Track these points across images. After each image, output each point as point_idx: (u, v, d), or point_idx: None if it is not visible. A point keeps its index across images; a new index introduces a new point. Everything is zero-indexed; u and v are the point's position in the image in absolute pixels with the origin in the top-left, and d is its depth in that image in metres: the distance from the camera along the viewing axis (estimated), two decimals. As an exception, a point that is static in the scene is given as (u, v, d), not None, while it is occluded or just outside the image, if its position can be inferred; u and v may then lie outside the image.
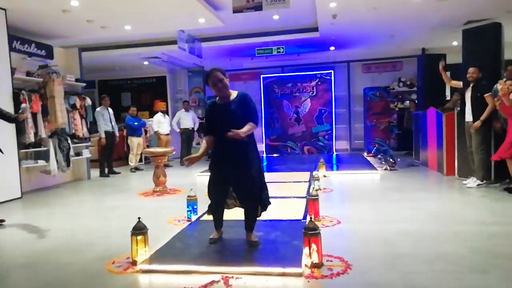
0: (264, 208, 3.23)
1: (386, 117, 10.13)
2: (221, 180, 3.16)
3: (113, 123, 8.06)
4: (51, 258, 3.20)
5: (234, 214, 3.41)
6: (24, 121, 5.83)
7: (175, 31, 7.62)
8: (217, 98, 3.21)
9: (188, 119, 9.63)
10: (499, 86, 4.94)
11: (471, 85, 5.42)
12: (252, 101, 3.17)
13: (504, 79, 5.04)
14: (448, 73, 9.42)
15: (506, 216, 3.99)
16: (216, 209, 3.26)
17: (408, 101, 10.54)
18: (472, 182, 5.36)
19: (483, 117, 5.20)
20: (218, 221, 3.30)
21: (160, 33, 8.12)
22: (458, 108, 6.05)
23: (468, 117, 5.46)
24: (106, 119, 7.91)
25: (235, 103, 3.10)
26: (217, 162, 3.18)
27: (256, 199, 3.14)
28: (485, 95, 5.21)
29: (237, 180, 3.10)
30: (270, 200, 3.27)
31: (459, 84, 5.80)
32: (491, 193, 4.99)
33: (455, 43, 9.41)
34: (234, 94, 3.17)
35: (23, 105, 4.65)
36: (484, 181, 5.36)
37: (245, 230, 3.20)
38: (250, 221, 3.19)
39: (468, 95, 5.47)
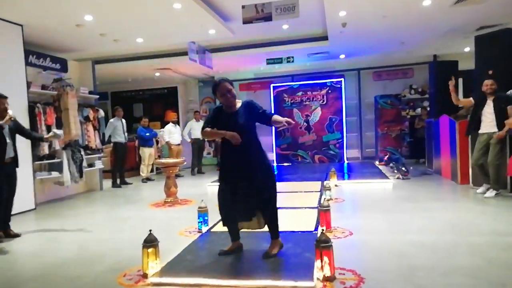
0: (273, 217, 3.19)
1: (397, 124, 10.03)
2: (230, 190, 3.14)
3: (125, 134, 8.17)
4: (62, 270, 3.22)
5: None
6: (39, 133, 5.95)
7: (186, 43, 7.72)
8: (223, 107, 3.24)
9: (199, 129, 9.66)
10: None
11: (490, 97, 5.29)
12: (257, 103, 3.22)
13: None
14: (460, 80, 9.33)
15: (524, 227, 3.88)
16: (228, 220, 3.24)
17: (419, 109, 10.42)
18: (490, 192, 5.24)
19: (509, 126, 5.08)
20: (233, 233, 3.27)
21: (171, 44, 8.23)
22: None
23: (489, 128, 5.29)
24: (119, 129, 8.04)
25: (241, 112, 3.14)
26: (226, 172, 3.20)
27: (271, 214, 3.14)
28: (509, 106, 5.08)
29: (249, 188, 3.07)
30: (282, 211, 3.24)
31: (470, 101, 5.68)
32: (508, 203, 4.87)
33: (467, 49, 9.31)
34: (239, 103, 3.22)
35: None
36: (500, 190, 5.23)
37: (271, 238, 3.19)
38: (271, 225, 3.16)
39: (487, 108, 5.31)
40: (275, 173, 3.26)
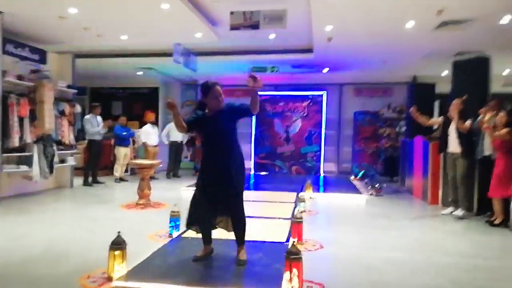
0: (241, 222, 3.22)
1: (374, 142, 10.23)
2: (208, 193, 3.16)
3: (101, 132, 8.00)
4: (26, 269, 3.10)
5: (217, 234, 3.35)
6: (11, 125, 5.76)
7: (171, 44, 7.66)
8: (206, 111, 3.24)
9: (178, 132, 9.57)
10: (500, 118, 4.99)
11: (456, 117, 5.51)
12: (233, 102, 3.30)
13: (485, 109, 5.17)
14: (437, 103, 9.63)
15: (487, 250, 4.01)
16: (200, 222, 3.23)
17: (398, 127, 10.64)
18: (458, 211, 5.39)
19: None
20: (206, 236, 3.26)
21: (156, 44, 8.15)
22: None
23: (454, 148, 5.51)
24: (94, 126, 7.84)
25: (222, 115, 3.18)
26: (204, 173, 3.22)
27: (240, 221, 3.17)
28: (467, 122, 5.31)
29: (223, 191, 3.11)
30: (255, 220, 3.26)
31: (438, 120, 5.90)
32: (473, 225, 5.02)
33: (444, 73, 9.63)
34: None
35: None
36: (467, 212, 5.40)
37: (237, 245, 3.21)
38: (240, 231, 3.19)
39: (453, 127, 5.53)
40: (250, 183, 3.30)
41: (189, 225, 3.30)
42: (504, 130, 4.79)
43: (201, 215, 3.19)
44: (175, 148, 9.57)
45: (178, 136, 9.55)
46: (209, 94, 3.17)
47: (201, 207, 3.18)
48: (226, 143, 3.13)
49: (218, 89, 3.18)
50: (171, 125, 9.61)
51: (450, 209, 5.61)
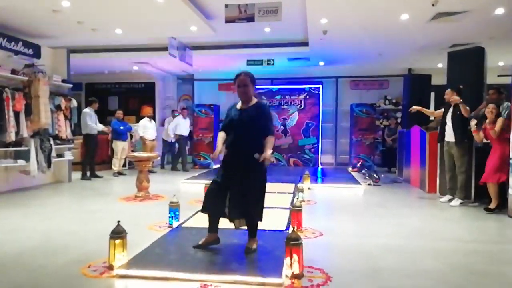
0: (253, 222, 3.20)
1: (371, 133, 10.27)
2: (223, 182, 3.17)
3: (99, 129, 8.05)
4: (23, 260, 3.09)
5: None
6: (6, 119, 5.72)
7: (167, 38, 7.62)
8: (240, 102, 3.30)
9: (185, 126, 9.69)
10: (487, 110, 5.05)
11: (452, 106, 5.55)
12: (268, 111, 3.27)
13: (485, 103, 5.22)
14: (433, 94, 9.67)
15: (484, 235, 4.06)
16: (209, 208, 3.21)
17: (392, 118, 10.71)
18: (455, 201, 5.44)
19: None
20: (212, 224, 3.24)
21: (151, 38, 8.11)
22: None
23: (449, 137, 5.56)
24: (93, 121, 7.85)
25: (251, 111, 3.20)
26: (225, 162, 3.24)
27: (245, 213, 3.13)
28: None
29: (237, 185, 3.11)
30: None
31: (441, 112, 5.96)
32: (470, 212, 5.07)
33: (440, 65, 9.67)
34: (253, 101, 3.27)
35: None
36: (465, 200, 5.46)
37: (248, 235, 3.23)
38: (253, 226, 3.19)
39: (449, 116, 5.58)
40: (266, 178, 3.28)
41: (203, 209, 3.26)
42: (499, 123, 4.85)
43: (212, 199, 3.19)
44: (181, 142, 9.59)
45: (185, 130, 9.65)
46: (235, 83, 3.22)
47: (213, 192, 3.20)
48: (246, 139, 3.11)
49: (243, 79, 3.21)
50: (179, 119, 9.65)
51: (447, 196, 5.66)
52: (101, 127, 8.02)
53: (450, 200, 5.55)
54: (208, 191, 3.28)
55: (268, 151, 3.02)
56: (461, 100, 5.31)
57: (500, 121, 4.87)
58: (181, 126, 9.55)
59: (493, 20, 6.28)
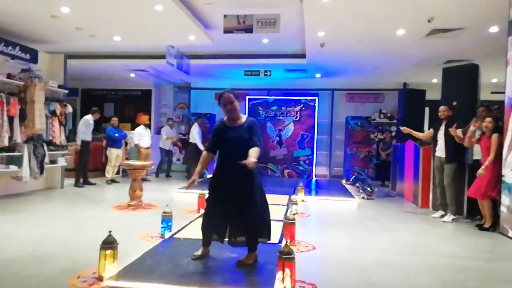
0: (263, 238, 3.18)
1: (366, 146, 10.32)
2: (219, 200, 3.13)
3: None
4: (14, 268, 3.04)
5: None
6: (0, 124, 5.68)
7: (165, 46, 7.66)
8: (226, 118, 3.26)
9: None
10: (488, 124, 5.07)
11: (443, 123, 5.65)
12: (258, 126, 3.24)
13: (475, 120, 5.27)
14: (427, 109, 9.77)
15: (477, 251, 4.06)
16: (209, 230, 3.20)
17: (387, 132, 10.77)
18: (447, 216, 5.46)
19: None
20: (207, 241, 3.25)
21: (149, 46, 8.14)
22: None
23: (440, 153, 5.65)
24: (89, 129, 7.86)
25: (244, 129, 3.14)
26: (217, 182, 3.18)
27: (253, 230, 3.11)
28: (453, 128, 5.35)
29: (236, 203, 3.06)
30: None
31: (430, 132, 6.05)
32: (463, 228, 5.08)
33: (435, 80, 9.79)
34: (243, 118, 3.23)
35: None
36: (457, 216, 5.47)
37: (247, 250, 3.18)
38: (253, 241, 3.14)
39: (441, 132, 5.68)
40: (263, 192, 3.26)
41: (205, 238, 3.26)
42: (496, 138, 4.87)
43: (212, 224, 3.18)
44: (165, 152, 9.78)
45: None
46: (221, 101, 3.18)
47: (212, 215, 3.17)
48: (242, 155, 2.95)
49: (228, 97, 3.17)
50: (167, 129, 9.75)
51: (440, 212, 5.68)
52: (86, 138, 7.87)
53: (442, 216, 5.57)
54: (206, 215, 3.22)
55: (252, 159, 2.90)
56: (459, 136, 5.34)
57: (496, 137, 4.88)
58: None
59: (487, 37, 6.39)
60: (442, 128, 5.65)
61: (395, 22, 6.03)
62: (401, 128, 6.28)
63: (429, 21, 5.76)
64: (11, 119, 6.03)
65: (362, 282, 2.95)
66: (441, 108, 5.73)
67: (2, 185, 6.32)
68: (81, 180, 7.81)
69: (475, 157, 5.38)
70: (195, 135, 9.40)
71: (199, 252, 3.25)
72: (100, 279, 2.75)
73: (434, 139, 5.85)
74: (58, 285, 2.72)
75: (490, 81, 9.57)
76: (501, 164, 4.81)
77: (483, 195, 4.94)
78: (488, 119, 5.05)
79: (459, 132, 5.34)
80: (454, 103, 6.07)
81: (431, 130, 6.02)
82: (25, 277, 2.85)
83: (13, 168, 6.17)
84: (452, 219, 5.40)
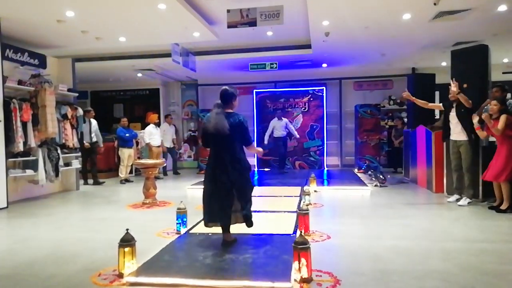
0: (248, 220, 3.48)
1: (376, 134, 10.24)
2: (211, 185, 3.46)
3: (93, 134, 8.12)
4: (34, 269, 3.13)
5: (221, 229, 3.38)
6: (14, 130, 5.80)
7: (170, 44, 7.68)
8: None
9: (171, 134, 10.08)
10: (493, 107, 5.01)
11: (454, 103, 5.50)
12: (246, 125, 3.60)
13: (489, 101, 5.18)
14: (437, 93, 9.62)
15: (494, 234, 4.02)
16: (210, 221, 3.50)
17: (397, 119, 10.67)
18: (463, 200, 5.40)
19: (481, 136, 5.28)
20: (223, 229, 3.52)
21: (154, 45, 8.18)
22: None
23: (457, 136, 5.50)
24: (87, 130, 7.96)
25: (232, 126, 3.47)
26: (209, 169, 3.52)
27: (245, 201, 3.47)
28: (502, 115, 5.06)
29: (224, 183, 3.40)
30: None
31: (439, 106, 5.93)
32: (479, 211, 5.04)
33: (444, 64, 9.63)
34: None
35: None
36: (473, 199, 5.42)
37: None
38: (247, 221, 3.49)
39: (452, 114, 5.53)
40: (249, 172, 3.60)
41: (206, 224, 3.54)
42: (502, 119, 4.80)
43: (210, 213, 3.50)
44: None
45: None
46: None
47: (208, 204, 3.49)
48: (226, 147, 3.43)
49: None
50: (165, 126, 9.88)
51: (455, 196, 5.62)
52: (87, 140, 8.00)
53: (458, 200, 5.52)
54: (205, 203, 3.53)
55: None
56: (459, 90, 5.25)
57: (503, 118, 4.82)
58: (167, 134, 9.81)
59: (496, 17, 6.25)
60: (453, 110, 5.52)
61: (401, 7, 5.94)
62: (403, 93, 6.09)
63: (435, 3, 5.66)
64: (24, 125, 6.15)
65: (377, 270, 2.96)
66: (453, 84, 5.46)
67: (20, 189, 6.47)
68: (92, 181, 8.04)
69: (491, 139, 5.30)
70: None
71: (225, 238, 3.53)
72: (120, 276, 2.82)
73: (445, 121, 5.73)
74: (80, 284, 2.79)
75: (501, 61, 9.38)
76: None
77: (499, 177, 4.88)
78: (493, 101, 4.99)
79: (475, 122, 5.11)
80: (465, 85, 5.97)
81: (441, 104, 5.88)
82: (46, 278, 2.93)
83: (29, 172, 6.30)
84: (468, 202, 5.35)
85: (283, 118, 9.71)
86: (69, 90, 7.42)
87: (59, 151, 6.78)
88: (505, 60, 9.41)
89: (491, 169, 4.99)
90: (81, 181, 7.94)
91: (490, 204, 5.18)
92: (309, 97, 10.66)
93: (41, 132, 6.42)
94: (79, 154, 7.72)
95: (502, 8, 5.88)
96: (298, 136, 9.87)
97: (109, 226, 4.59)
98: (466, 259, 3.18)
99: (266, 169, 10.58)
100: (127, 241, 2.85)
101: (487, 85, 6.11)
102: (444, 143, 6.04)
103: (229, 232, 3.50)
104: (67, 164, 7.18)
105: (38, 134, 6.40)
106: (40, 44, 7.36)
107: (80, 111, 7.60)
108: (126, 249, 2.84)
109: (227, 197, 3.36)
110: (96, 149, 8.21)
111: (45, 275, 2.99)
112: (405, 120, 10.42)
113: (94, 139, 8.10)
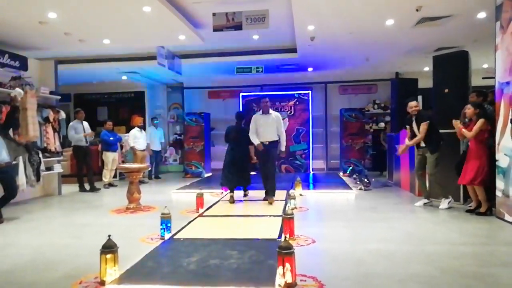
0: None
1: (361, 137, 10.36)
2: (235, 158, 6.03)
3: (87, 137, 7.91)
4: (14, 277, 3.04)
5: (209, 233, 3.36)
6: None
7: (155, 47, 7.63)
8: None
9: (157, 137, 9.96)
10: (467, 111, 5.17)
11: (413, 118, 5.78)
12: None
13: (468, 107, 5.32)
14: (420, 97, 9.82)
15: (474, 237, 4.11)
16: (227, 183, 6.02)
17: (382, 123, 10.84)
18: (442, 204, 5.50)
19: (410, 143, 5.85)
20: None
21: (139, 48, 8.11)
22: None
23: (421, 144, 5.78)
24: (78, 132, 7.73)
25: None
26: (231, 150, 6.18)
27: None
28: (422, 123, 5.60)
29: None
30: (246, 218, 3.32)
31: (422, 134, 6.01)
32: (460, 214, 5.14)
33: (426, 69, 9.83)
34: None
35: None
36: (450, 198, 5.52)
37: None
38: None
39: (415, 126, 5.79)
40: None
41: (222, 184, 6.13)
42: (478, 124, 4.93)
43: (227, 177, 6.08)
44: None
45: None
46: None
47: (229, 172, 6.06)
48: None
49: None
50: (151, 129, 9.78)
51: (423, 200, 5.78)
52: (79, 143, 7.74)
53: (425, 204, 5.68)
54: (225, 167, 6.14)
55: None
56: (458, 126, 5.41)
57: (479, 123, 4.95)
58: (154, 136, 9.74)
59: (476, 23, 6.43)
60: (414, 123, 5.78)
61: (384, 12, 6.05)
62: (399, 151, 6.32)
63: (417, 10, 5.79)
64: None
65: (361, 273, 2.99)
66: (413, 103, 5.79)
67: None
68: (88, 187, 7.74)
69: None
70: None
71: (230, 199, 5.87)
72: (102, 283, 2.77)
73: (411, 135, 5.93)
74: (61, 292, 2.73)
75: (481, 67, 9.62)
76: (485, 150, 4.95)
77: (473, 181, 5.00)
78: (468, 105, 5.15)
79: (458, 125, 5.28)
80: (446, 90, 6.11)
81: (409, 126, 6.06)
82: (27, 285, 2.86)
83: (9, 177, 6.13)
84: (448, 203, 5.45)
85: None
86: (51, 92, 7.28)
87: (40, 155, 6.63)
88: (485, 66, 9.65)
89: (466, 173, 5.10)
90: (68, 187, 7.73)
91: (468, 208, 5.29)
92: (295, 101, 10.72)
93: (22, 136, 6.27)
94: (61, 158, 7.56)
95: (482, 15, 6.05)
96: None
97: (92, 232, 4.51)
98: (447, 262, 3.24)
99: (252, 173, 10.55)
100: (109, 248, 2.81)
101: (468, 90, 6.25)
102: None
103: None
104: (48, 168, 7.03)
105: (19, 137, 6.25)
106: (22, 46, 7.21)
107: (63, 114, 7.46)
108: (108, 256, 2.79)
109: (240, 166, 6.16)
110: (90, 152, 8.02)
111: (25, 282, 2.92)
112: (388, 123, 10.57)
113: (82, 143, 7.86)
